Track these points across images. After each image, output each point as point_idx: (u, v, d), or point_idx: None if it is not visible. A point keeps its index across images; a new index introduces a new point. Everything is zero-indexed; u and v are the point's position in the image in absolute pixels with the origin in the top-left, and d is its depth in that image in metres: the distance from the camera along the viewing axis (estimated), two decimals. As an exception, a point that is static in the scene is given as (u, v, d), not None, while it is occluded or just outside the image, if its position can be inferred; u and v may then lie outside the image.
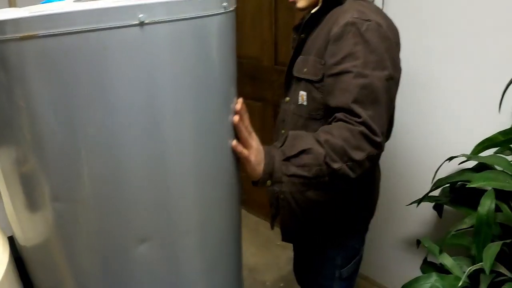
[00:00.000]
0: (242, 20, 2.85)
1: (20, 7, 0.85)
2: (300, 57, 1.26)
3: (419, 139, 1.99)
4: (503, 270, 1.33)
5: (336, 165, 0.99)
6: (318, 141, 0.99)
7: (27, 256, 0.96)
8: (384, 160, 2.15)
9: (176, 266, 0.92)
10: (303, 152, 0.98)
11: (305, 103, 1.22)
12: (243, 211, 3.32)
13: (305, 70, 1.21)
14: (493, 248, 1.28)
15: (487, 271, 1.24)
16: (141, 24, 0.71)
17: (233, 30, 0.91)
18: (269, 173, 0.99)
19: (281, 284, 2.40)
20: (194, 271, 0.96)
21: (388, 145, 2.10)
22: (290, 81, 1.32)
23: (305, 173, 0.99)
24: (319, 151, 0.98)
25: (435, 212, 1.82)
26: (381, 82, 1.04)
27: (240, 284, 1.18)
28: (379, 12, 1.15)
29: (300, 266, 1.56)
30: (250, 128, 0.99)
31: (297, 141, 1.01)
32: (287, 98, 1.34)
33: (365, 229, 1.46)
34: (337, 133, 1.00)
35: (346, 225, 1.36)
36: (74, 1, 0.83)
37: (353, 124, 1.01)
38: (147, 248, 0.85)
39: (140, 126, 0.78)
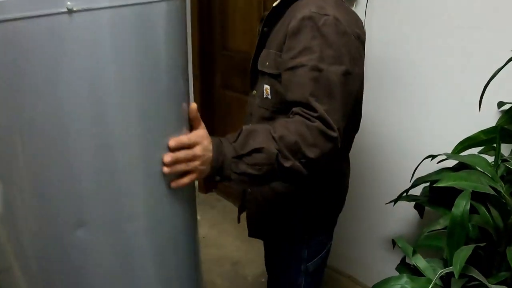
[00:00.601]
0: (232, 14, 2.85)
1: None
2: (264, 51, 1.24)
3: (402, 137, 1.96)
4: (476, 274, 1.29)
5: (288, 164, 0.99)
6: (273, 138, 0.98)
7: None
8: (367, 157, 2.14)
9: (122, 253, 0.90)
10: (255, 151, 0.97)
11: (269, 96, 1.21)
12: (229, 205, 3.34)
13: (267, 64, 1.20)
14: (464, 251, 1.24)
15: (456, 275, 1.20)
16: (70, 11, 0.68)
17: (181, 20, 0.88)
18: (218, 169, 0.97)
19: (263, 280, 2.38)
20: (143, 259, 0.95)
21: (369, 142, 2.09)
22: (255, 75, 1.30)
23: (255, 172, 0.98)
24: (271, 150, 0.97)
25: (419, 211, 1.79)
26: (337, 77, 1.03)
27: (198, 274, 1.15)
28: (339, 6, 1.12)
29: (268, 261, 1.54)
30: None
31: (250, 139, 0.98)
32: (254, 92, 1.32)
33: (333, 223, 1.46)
34: (293, 128, 0.99)
35: (313, 220, 1.35)
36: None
37: (309, 120, 1.00)
38: (86, 233, 0.83)
39: (82, 112, 0.77)
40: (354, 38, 1.09)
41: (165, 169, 0.88)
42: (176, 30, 0.86)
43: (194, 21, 2.95)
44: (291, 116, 1.04)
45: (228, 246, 2.68)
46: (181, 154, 0.90)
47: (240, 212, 1.49)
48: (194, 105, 0.97)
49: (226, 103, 3.07)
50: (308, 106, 1.02)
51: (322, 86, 1.02)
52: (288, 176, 1.02)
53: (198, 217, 3.29)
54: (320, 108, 1.00)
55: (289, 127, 0.99)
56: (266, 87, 1.20)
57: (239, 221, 1.51)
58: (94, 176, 0.81)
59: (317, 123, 0.99)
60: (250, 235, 1.45)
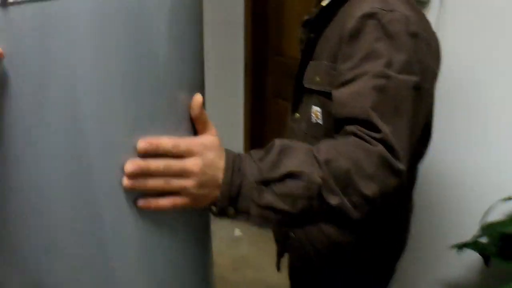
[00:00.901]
0: (288, 19, 2.73)
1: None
2: (311, 63, 1.01)
3: (471, 171, 1.68)
4: None
5: (334, 200, 0.70)
6: (317, 160, 0.70)
7: None
8: (428, 192, 1.86)
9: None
10: (290, 175, 0.68)
11: (320, 121, 0.97)
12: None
13: (317, 79, 0.96)
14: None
15: None
16: (3, 4, 0.51)
17: (189, 14, 0.67)
18: (232, 197, 0.67)
19: (300, 313, 2.16)
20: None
21: (431, 174, 1.82)
22: (300, 93, 1.06)
23: (285, 207, 0.68)
24: (313, 178, 0.68)
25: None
26: (406, 88, 0.79)
27: None
28: (409, 3, 0.87)
29: None
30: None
31: (284, 157, 0.69)
32: (297, 115, 1.08)
33: (392, 271, 1.20)
34: (345, 151, 0.72)
35: (371, 270, 1.12)
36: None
37: (370, 143, 0.73)
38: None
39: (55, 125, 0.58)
40: (425, 44, 0.85)
41: (125, 181, 0.60)
42: (179, 29, 0.65)
43: (247, 24, 2.85)
44: (342, 137, 0.79)
45: (267, 268, 2.46)
46: (159, 164, 0.61)
47: (279, 257, 1.24)
48: (198, 99, 0.66)
49: (277, 112, 2.92)
50: (368, 123, 0.76)
51: (388, 99, 0.78)
52: (331, 218, 0.75)
53: (240, 233, 3.11)
54: (385, 127, 0.75)
55: (340, 149, 0.72)
56: (316, 109, 0.97)
57: (278, 268, 1.27)
58: (66, 202, 0.61)
59: (380, 148, 0.73)
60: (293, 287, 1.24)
